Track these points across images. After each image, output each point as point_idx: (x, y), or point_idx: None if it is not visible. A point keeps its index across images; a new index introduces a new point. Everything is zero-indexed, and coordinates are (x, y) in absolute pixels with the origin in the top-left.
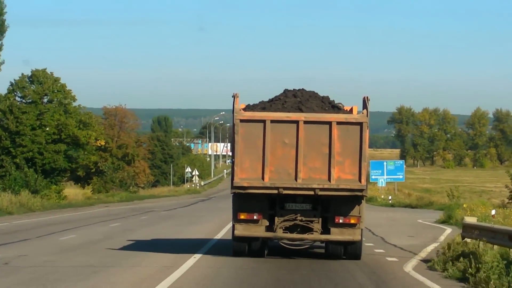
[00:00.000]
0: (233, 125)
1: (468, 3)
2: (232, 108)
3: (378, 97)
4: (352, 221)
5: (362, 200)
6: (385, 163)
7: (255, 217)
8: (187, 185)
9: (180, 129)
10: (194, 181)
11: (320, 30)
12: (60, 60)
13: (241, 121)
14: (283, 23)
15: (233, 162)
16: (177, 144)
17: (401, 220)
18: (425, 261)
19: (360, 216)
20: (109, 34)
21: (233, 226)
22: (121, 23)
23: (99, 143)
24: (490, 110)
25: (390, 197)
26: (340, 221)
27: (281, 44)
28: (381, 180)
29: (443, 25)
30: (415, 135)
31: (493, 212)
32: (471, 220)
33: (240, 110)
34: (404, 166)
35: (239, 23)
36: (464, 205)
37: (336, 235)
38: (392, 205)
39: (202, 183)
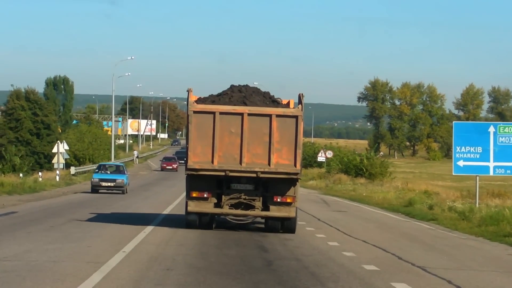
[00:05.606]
0: (187, 116)
1: None
2: (186, 100)
3: (323, 90)
4: (288, 200)
5: (297, 183)
6: (492, 130)
7: (205, 195)
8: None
9: (95, 103)
10: (56, 166)
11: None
12: None
13: (194, 112)
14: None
15: (187, 148)
16: (77, 115)
17: None
18: None
19: (295, 196)
20: None
21: (186, 202)
22: None
23: None
24: (486, 88)
25: None
26: (278, 200)
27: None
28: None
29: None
30: (393, 116)
31: None
32: None
33: (193, 102)
34: None
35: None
36: None
37: (275, 212)
38: None
39: (74, 171)
